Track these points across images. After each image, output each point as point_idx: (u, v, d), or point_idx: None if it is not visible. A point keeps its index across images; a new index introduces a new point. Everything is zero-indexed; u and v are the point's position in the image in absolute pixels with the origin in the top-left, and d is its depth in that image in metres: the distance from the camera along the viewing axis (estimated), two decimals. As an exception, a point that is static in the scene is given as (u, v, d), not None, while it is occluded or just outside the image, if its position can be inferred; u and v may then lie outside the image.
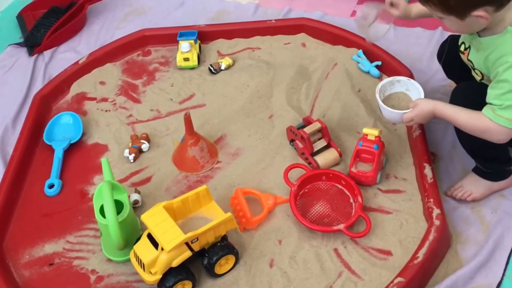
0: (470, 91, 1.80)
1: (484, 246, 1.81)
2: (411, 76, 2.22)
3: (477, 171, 1.92)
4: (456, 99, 1.78)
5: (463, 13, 1.57)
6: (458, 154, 2.05)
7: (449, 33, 2.40)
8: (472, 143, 1.81)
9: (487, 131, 1.64)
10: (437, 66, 2.33)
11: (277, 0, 2.80)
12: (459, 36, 1.84)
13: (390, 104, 1.87)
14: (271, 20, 2.59)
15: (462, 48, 1.81)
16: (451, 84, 2.19)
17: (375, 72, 2.32)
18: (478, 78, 1.81)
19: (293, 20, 2.60)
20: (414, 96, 1.87)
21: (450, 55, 1.94)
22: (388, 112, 1.84)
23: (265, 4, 2.78)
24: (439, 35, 2.46)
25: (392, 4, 1.92)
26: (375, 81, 2.31)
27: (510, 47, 1.61)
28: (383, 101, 1.87)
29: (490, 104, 1.63)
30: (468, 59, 1.78)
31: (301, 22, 2.56)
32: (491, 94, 1.63)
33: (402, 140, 2.09)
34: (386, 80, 1.90)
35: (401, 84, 1.90)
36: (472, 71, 1.82)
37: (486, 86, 1.67)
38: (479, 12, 1.55)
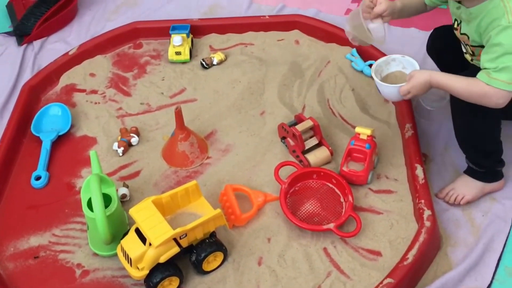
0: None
1: (474, 249, 1.81)
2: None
3: (469, 172, 1.91)
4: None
5: None
6: (449, 156, 2.05)
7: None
8: (468, 135, 1.82)
9: (484, 95, 1.64)
10: (430, 67, 2.33)
11: (271, -4, 2.78)
12: (443, 28, 1.93)
13: (389, 83, 1.85)
14: (264, 16, 2.57)
15: (455, 25, 1.82)
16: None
17: (369, 71, 2.30)
18: (469, 58, 1.83)
19: (287, 17, 2.58)
20: (409, 70, 1.85)
21: (439, 46, 1.93)
22: (385, 88, 1.83)
23: (259, 0, 2.76)
24: (434, 36, 2.46)
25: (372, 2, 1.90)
26: (369, 80, 2.30)
27: (500, 10, 1.62)
28: (385, 83, 1.85)
29: (485, 68, 1.64)
30: (461, 34, 1.79)
31: (295, 18, 2.54)
32: (485, 59, 1.65)
33: (394, 140, 2.08)
34: (381, 59, 1.89)
35: (396, 63, 1.89)
36: (464, 47, 1.82)
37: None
38: None
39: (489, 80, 1.62)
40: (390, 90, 1.82)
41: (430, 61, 2.29)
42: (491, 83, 1.62)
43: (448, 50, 1.89)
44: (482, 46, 1.70)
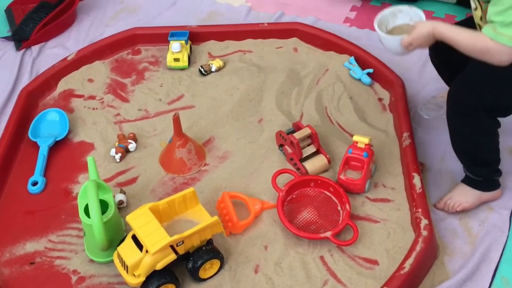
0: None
1: (470, 258, 1.81)
2: (402, 85, 2.21)
3: (466, 181, 1.91)
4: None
5: None
6: (446, 165, 2.05)
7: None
8: (464, 144, 1.81)
9: (488, 51, 1.58)
10: (428, 77, 2.35)
11: (270, 4, 2.78)
12: None
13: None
14: (263, 24, 2.57)
15: None
16: (443, 95, 2.19)
17: (367, 79, 2.31)
18: (479, 15, 1.73)
19: (286, 24, 2.58)
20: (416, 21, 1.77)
21: (441, 53, 1.90)
22: (386, 40, 1.76)
23: (257, 7, 2.77)
24: (432, 45, 2.46)
25: None
26: (366, 89, 2.30)
27: None
28: (386, 34, 1.78)
29: (491, 21, 1.57)
30: None
31: (294, 26, 2.54)
32: (492, 11, 1.56)
33: (391, 149, 2.08)
34: (387, 10, 1.81)
35: (403, 14, 1.80)
36: (473, 1, 1.73)
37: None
38: None
39: (495, 35, 1.55)
40: (392, 42, 1.74)
41: (427, 74, 2.31)
42: (496, 38, 1.54)
43: (449, 60, 1.86)
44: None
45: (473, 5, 1.76)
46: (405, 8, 1.81)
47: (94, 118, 2.26)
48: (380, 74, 2.30)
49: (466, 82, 1.71)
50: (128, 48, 2.55)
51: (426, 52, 2.42)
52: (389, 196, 1.95)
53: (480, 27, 1.71)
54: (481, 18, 1.73)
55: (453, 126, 1.82)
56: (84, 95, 2.36)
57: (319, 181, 1.95)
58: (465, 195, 1.91)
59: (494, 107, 1.73)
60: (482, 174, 1.88)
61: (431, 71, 2.36)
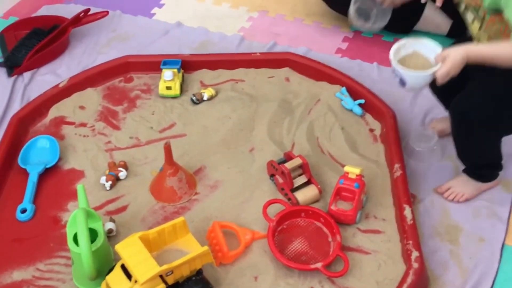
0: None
1: (461, 290, 1.80)
2: (393, 116, 2.22)
3: (467, 172, 1.97)
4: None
5: None
6: (438, 196, 2.05)
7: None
8: (468, 150, 1.87)
9: None
10: (419, 108, 2.36)
11: (262, 33, 2.80)
12: None
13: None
14: (255, 53, 2.58)
15: None
16: (434, 126, 2.21)
17: (358, 110, 2.31)
18: (477, 26, 1.70)
19: (278, 54, 2.60)
20: (426, 51, 1.71)
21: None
22: (416, 78, 1.66)
23: (250, 37, 2.78)
24: (423, 77, 2.48)
25: None
26: (358, 119, 2.31)
27: None
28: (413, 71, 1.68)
29: None
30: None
31: (286, 56, 2.55)
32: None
33: (383, 180, 2.08)
34: (393, 49, 1.72)
35: (406, 47, 1.74)
36: (473, 13, 1.70)
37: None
38: None
39: None
40: (422, 79, 1.66)
41: (418, 105, 2.33)
42: None
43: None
44: (494, 10, 1.60)
45: (469, 18, 1.73)
46: (407, 41, 1.77)
47: (84, 146, 2.25)
48: (372, 104, 2.31)
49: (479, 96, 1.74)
50: (120, 75, 2.55)
51: (417, 83, 2.45)
52: (380, 228, 1.95)
53: (479, 40, 1.69)
54: (479, 28, 1.69)
55: (457, 135, 1.86)
56: (75, 122, 2.35)
57: (310, 212, 1.95)
58: (466, 186, 1.97)
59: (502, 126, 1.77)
60: (484, 174, 1.95)
61: (423, 102, 2.38)
